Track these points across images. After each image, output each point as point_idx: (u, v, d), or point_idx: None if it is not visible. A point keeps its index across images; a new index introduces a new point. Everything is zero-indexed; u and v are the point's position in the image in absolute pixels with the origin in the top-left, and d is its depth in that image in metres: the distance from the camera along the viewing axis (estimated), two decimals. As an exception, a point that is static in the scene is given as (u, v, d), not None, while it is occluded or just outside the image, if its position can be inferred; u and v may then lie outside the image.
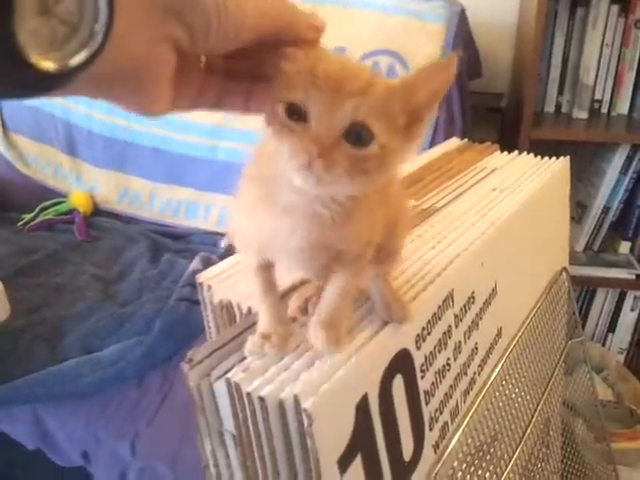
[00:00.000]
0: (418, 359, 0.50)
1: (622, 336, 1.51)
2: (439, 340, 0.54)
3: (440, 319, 0.54)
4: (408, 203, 0.53)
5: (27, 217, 1.39)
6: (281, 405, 0.39)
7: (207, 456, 0.47)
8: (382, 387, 0.45)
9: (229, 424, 0.43)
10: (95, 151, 1.41)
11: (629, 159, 1.38)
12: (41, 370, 0.90)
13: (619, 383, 1.27)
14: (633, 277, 1.41)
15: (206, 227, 1.36)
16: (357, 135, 0.35)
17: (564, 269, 0.92)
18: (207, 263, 1.11)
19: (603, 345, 1.53)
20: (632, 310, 1.48)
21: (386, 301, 0.48)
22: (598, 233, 1.48)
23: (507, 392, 0.71)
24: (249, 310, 0.52)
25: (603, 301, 1.50)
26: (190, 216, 1.38)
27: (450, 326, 0.56)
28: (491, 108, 1.50)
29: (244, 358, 0.43)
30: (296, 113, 0.35)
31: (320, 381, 0.40)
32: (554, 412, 0.90)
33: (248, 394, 0.40)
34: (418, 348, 0.50)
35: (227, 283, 0.55)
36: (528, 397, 0.77)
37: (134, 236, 1.31)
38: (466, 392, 0.60)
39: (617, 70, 1.36)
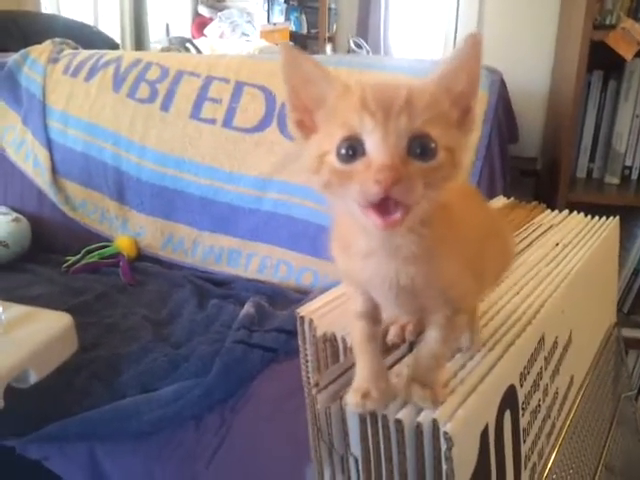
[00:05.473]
0: (520, 397, 0.52)
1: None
2: (534, 381, 0.56)
3: (536, 360, 0.56)
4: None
5: (72, 259, 1.41)
6: (418, 428, 0.41)
7: (325, 483, 0.48)
8: (497, 419, 0.47)
9: (356, 448, 0.44)
10: (143, 198, 1.45)
11: (660, 224, 1.43)
12: (98, 407, 0.90)
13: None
14: (665, 339, 1.42)
15: (246, 275, 1.39)
16: (421, 147, 0.34)
17: (616, 324, 0.95)
18: (258, 307, 1.13)
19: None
20: (665, 373, 1.49)
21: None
22: (628, 295, 1.51)
23: (577, 443, 0.72)
24: (355, 343, 0.54)
25: (634, 363, 1.50)
26: (231, 264, 1.41)
27: (541, 368, 0.58)
28: (524, 171, 1.55)
29: (370, 385, 0.45)
30: (351, 150, 0.34)
31: (454, 407, 0.42)
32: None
33: (384, 417, 0.41)
34: (521, 386, 0.52)
35: (329, 317, 0.57)
36: (591, 450, 0.78)
37: (178, 280, 1.33)
38: (549, 435, 0.61)
39: (647, 139, 1.42)
